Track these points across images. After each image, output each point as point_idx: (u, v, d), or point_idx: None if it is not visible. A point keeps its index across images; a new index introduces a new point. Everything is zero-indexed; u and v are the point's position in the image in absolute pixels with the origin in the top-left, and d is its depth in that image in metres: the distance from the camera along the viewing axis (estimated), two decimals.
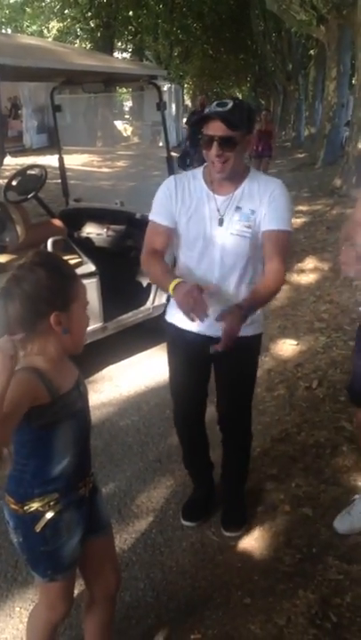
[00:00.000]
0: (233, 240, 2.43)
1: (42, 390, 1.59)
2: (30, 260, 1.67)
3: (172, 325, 2.70)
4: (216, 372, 2.79)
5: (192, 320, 2.22)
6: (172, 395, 2.92)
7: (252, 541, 2.85)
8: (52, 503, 1.72)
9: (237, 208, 2.43)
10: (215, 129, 2.29)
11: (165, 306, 4.83)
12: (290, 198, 2.48)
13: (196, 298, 2.17)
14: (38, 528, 1.71)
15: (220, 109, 2.27)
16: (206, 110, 2.35)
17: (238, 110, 2.28)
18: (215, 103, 2.32)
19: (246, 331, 2.55)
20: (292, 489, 3.19)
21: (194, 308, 2.17)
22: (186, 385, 2.82)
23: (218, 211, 2.44)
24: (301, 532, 2.89)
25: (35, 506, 1.70)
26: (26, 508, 1.71)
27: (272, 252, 2.41)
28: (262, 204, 2.41)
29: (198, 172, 2.53)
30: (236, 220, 2.43)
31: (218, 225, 2.44)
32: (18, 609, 2.50)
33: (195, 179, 2.51)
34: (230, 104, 2.28)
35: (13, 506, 1.74)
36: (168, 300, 4.29)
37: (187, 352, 2.70)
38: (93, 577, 2.00)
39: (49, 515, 1.71)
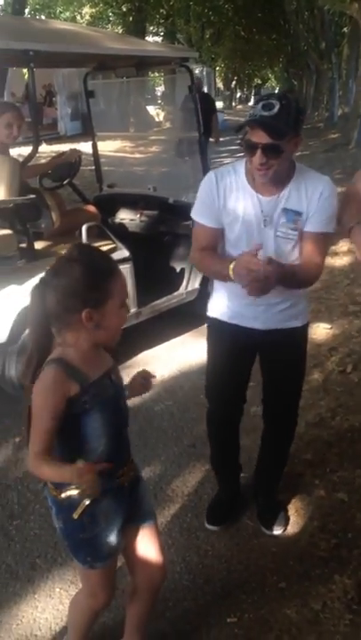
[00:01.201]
0: (278, 242, 2.36)
1: (70, 384, 1.64)
2: (69, 253, 1.69)
3: (215, 320, 2.61)
4: (264, 366, 2.70)
5: (253, 296, 2.15)
6: (207, 396, 2.80)
7: (288, 526, 2.85)
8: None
9: (284, 210, 2.31)
10: (259, 136, 2.12)
11: (198, 291, 4.87)
12: (337, 196, 2.38)
13: (255, 264, 2.07)
14: (76, 515, 1.72)
15: (265, 114, 2.08)
16: (250, 112, 2.16)
17: (285, 113, 2.09)
18: (261, 104, 2.11)
19: (295, 322, 2.54)
20: (327, 474, 3.18)
21: (250, 279, 2.08)
22: (226, 383, 2.70)
23: (262, 212, 2.32)
24: (337, 517, 2.88)
25: (72, 492, 1.71)
26: (63, 494, 1.72)
27: (314, 252, 2.36)
28: (311, 204, 2.30)
29: (240, 166, 2.36)
30: (283, 223, 2.32)
31: (263, 226, 2.33)
32: (58, 590, 2.55)
33: (237, 175, 2.36)
34: (277, 106, 2.08)
35: (53, 492, 1.77)
36: (201, 287, 4.25)
37: (231, 347, 2.59)
38: (136, 567, 2.00)
39: (86, 501, 1.71)
